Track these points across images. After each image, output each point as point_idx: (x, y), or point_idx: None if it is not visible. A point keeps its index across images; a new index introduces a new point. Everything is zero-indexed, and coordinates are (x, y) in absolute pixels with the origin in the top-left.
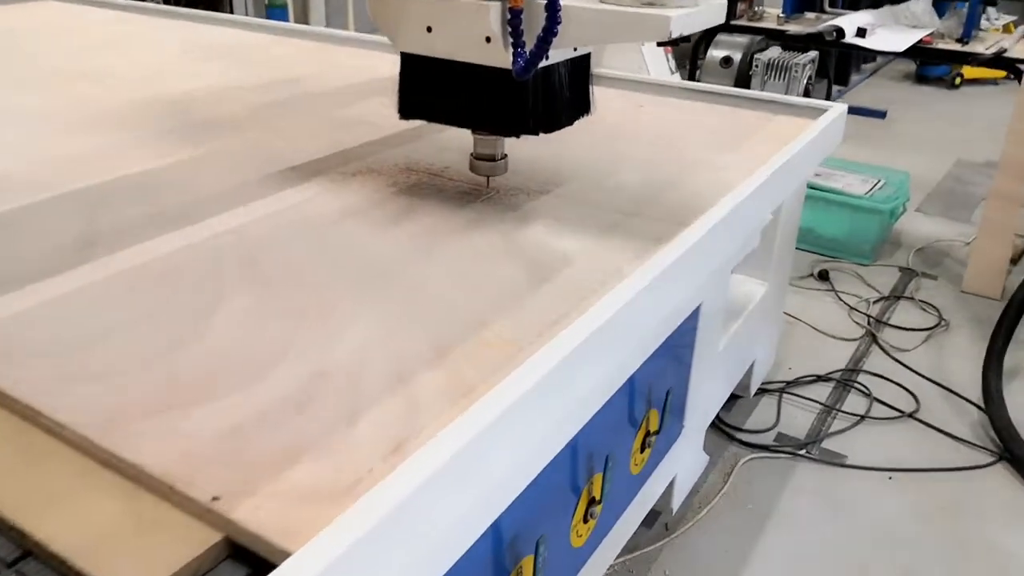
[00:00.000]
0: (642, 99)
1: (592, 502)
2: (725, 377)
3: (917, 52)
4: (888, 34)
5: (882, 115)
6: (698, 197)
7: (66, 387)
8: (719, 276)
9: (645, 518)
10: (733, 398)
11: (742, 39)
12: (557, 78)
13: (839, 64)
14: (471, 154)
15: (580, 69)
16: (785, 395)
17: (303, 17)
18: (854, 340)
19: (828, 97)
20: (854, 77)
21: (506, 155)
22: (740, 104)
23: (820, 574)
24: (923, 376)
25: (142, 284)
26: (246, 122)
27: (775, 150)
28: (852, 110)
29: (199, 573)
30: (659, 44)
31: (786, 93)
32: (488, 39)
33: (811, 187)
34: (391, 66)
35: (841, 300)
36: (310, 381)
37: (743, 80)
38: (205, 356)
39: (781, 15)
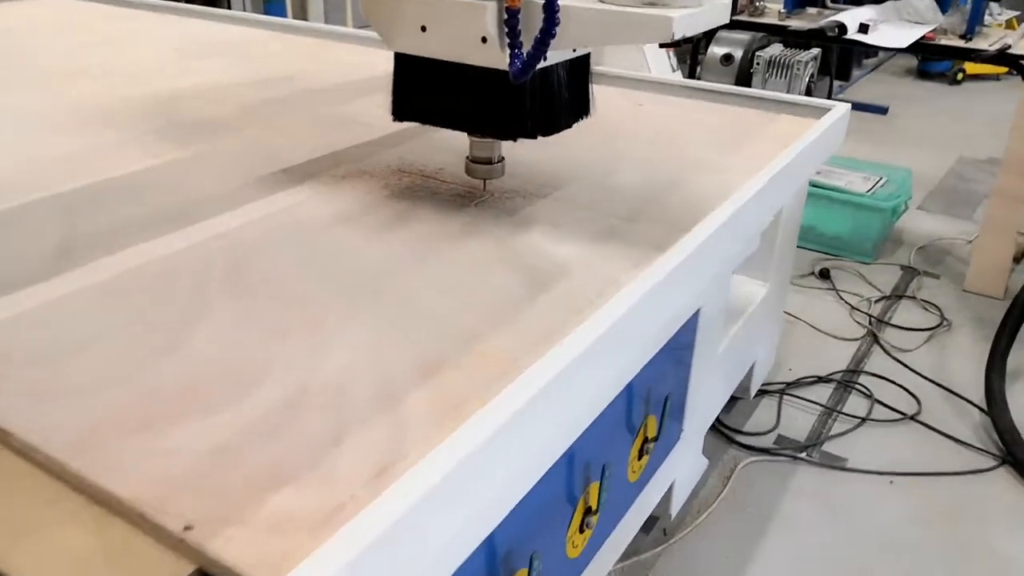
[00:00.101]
0: (642, 97)
1: (588, 512)
2: (725, 380)
3: (920, 48)
4: (891, 30)
5: (884, 111)
6: (699, 200)
7: (37, 406)
8: (719, 279)
9: (643, 524)
10: (733, 399)
11: (743, 36)
12: (556, 79)
13: (840, 59)
14: (467, 157)
15: (580, 69)
16: (785, 396)
17: (301, 12)
18: (855, 340)
19: (830, 95)
20: (855, 72)
21: (503, 158)
22: (742, 103)
23: None
24: (925, 377)
25: (121, 294)
26: (239, 121)
27: (777, 151)
28: (854, 106)
29: None
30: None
31: (788, 91)
32: (484, 39)
33: (812, 185)
34: (389, 63)
35: (842, 299)
36: (292, 399)
37: (744, 78)
38: (183, 372)
39: (782, 11)
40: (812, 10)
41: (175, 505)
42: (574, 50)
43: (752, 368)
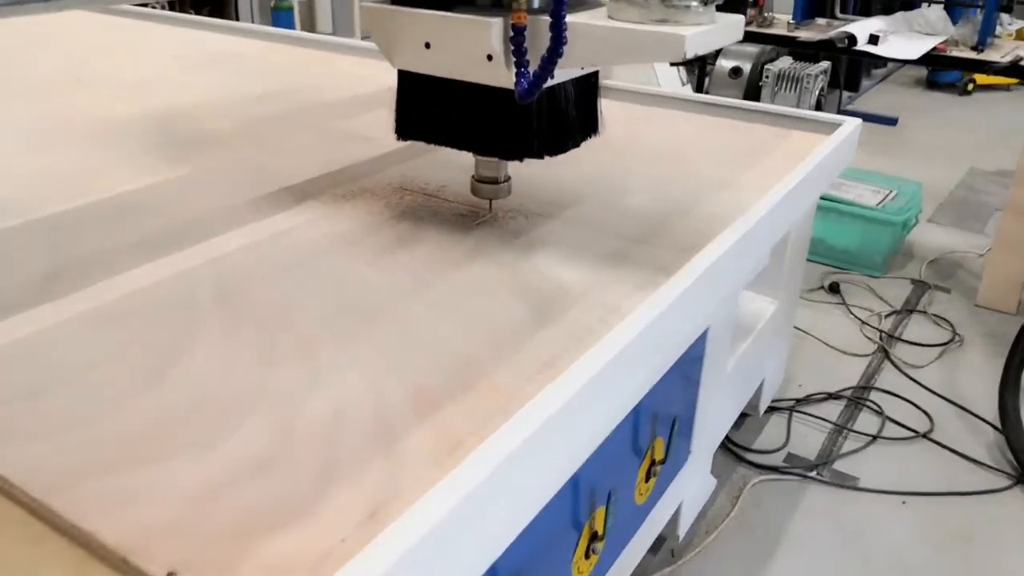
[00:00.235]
0: (651, 112)
1: (594, 538)
2: (734, 398)
3: (931, 60)
4: (901, 41)
5: (893, 122)
6: (708, 220)
7: (15, 442)
8: (728, 297)
9: (650, 545)
10: (742, 416)
11: (752, 49)
12: (563, 97)
13: (849, 70)
14: (472, 176)
15: (588, 86)
16: (795, 413)
17: (309, 23)
18: (866, 356)
19: (840, 108)
20: (864, 83)
21: (509, 177)
22: (751, 118)
23: None
24: (937, 394)
25: (105, 325)
26: (238, 137)
27: (788, 168)
28: (862, 116)
29: None
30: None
31: (798, 104)
32: (489, 57)
33: (822, 198)
34: (394, 76)
35: (852, 314)
36: (280, 436)
37: (753, 91)
38: (167, 408)
39: (791, 21)
40: (821, 21)
41: (159, 550)
42: (582, 68)
43: (761, 385)
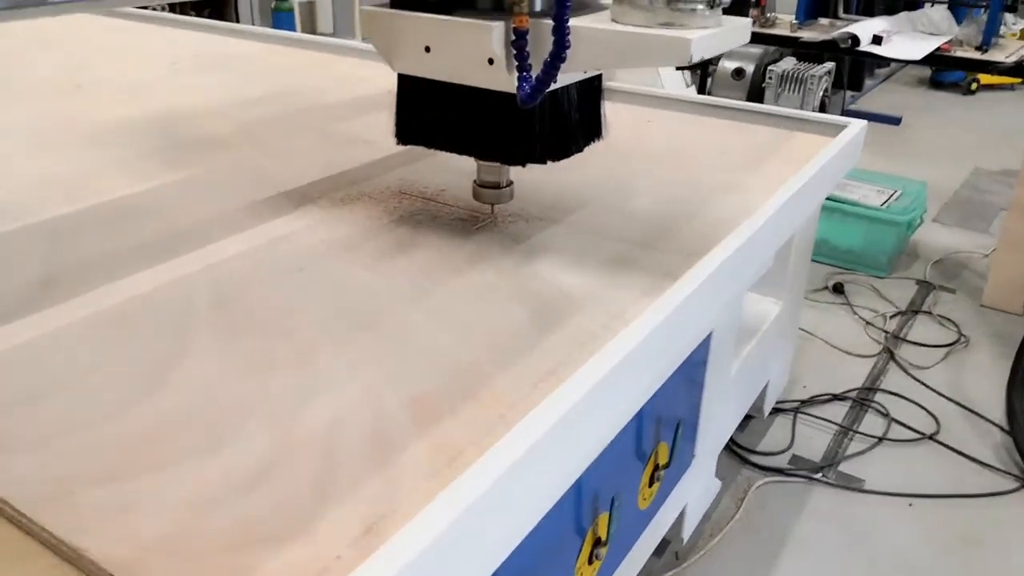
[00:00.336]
0: (654, 114)
1: (598, 543)
2: (738, 400)
3: (935, 60)
4: (905, 41)
5: (897, 121)
6: (712, 224)
7: (9, 452)
8: (732, 301)
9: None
10: (746, 418)
11: (755, 50)
12: (566, 101)
13: (852, 69)
14: (474, 181)
15: (591, 90)
16: (800, 415)
17: (310, 24)
18: (871, 357)
19: (843, 109)
20: (868, 82)
21: (511, 182)
22: (755, 120)
23: None
24: (943, 395)
25: (99, 333)
26: (237, 140)
27: (792, 171)
28: (866, 116)
29: None
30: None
31: (801, 106)
32: (491, 61)
33: (826, 198)
34: (395, 78)
35: (857, 315)
36: (275, 448)
37: (756, 92)
38: (162, 415)
39: (794, 22)
40: (824, 21)
41: (149, 567)
42: (585, 71)
43: (766, 387)
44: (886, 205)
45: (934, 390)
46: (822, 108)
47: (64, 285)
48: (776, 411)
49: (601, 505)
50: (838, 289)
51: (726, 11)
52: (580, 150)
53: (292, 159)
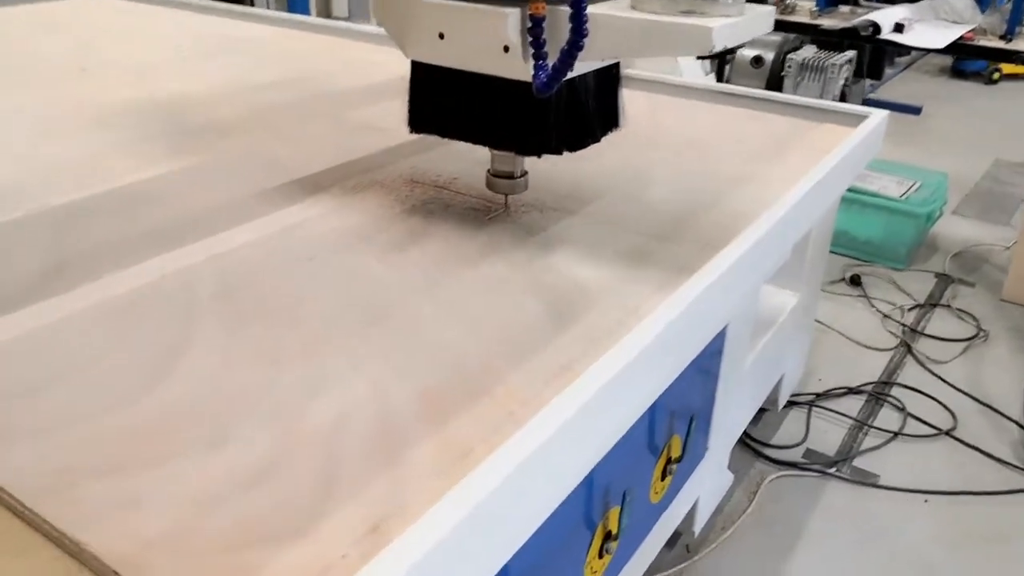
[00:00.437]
0: (671, 102)
1: (608, 537)
2: (752, 394)
3: (957, 49)
4: (927, 29)
5: (917, 111)
6: (731, 217)
7: (11, 442)
8: (748, 294)
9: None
10: (760, 411)
11: (774, 37)
12: (583, 90)
13: (872, 57)
14: (488, 171)
15: (609, 78)
16: (815, 408)
17: (325, 8)
18: (887, 350)
19: (863, 99)
20: (888, 71)
21: (526, 172)
22: (775, 109)
23: None
24: (961, 390)
25: (104, 323)
26: (248, 126)
27: (812, 163)
28: (886, 105)
29: None
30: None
31: (822, 95)
32: (506, 49)
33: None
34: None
35: (874, 307)
36: (280, 443)
37: (775, 81)
38: (167, 407)
39: (814, 9)
40: (845, 8)
41: (152, 563)
42: (603, 60)
43: (781, 380)
44: (905, 196)
45: (952, 385)
46: (842, 97)
47: (70, 273)
48: (791, 404)
49: (612, 499)
50: (855, 281)
51: None
52: (597, 140)
53: (304, 146)
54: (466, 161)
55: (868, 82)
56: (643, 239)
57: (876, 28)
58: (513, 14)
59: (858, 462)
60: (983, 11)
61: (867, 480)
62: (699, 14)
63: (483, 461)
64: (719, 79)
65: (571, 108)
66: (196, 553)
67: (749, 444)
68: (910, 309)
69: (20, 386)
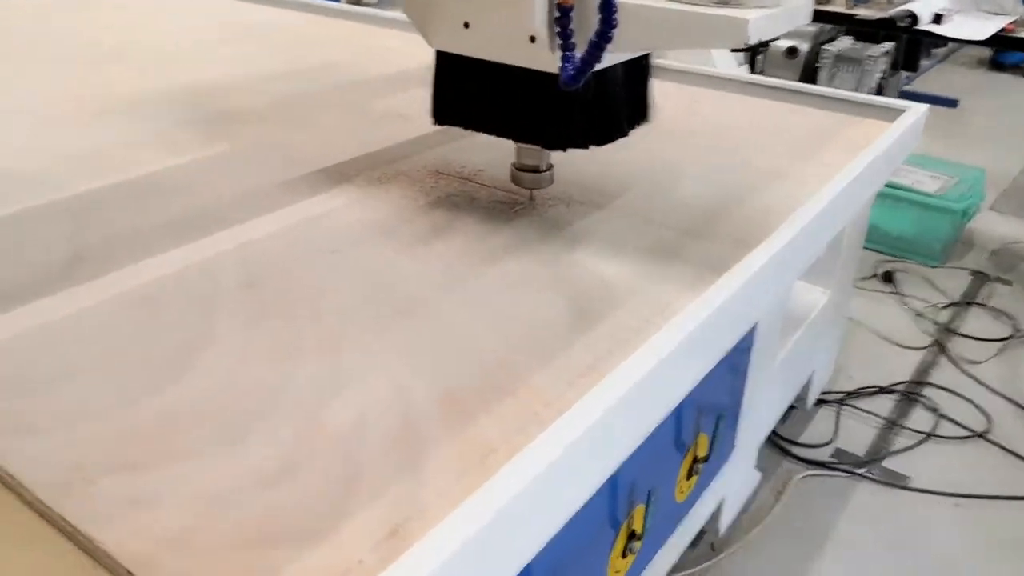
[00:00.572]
0: (703, 94)
1: (632, 536)
2: (782, 391)
3: (998, 41)
4: (967, 20)
5: (953, 104)
6: (765, 212)
7: (28, 435)
8: (780, 292)
9: None
10: (789, 409)
11: (810, 28)
12: (612, 82)
13: (908, 48)
14: (512, 164)
15: (638, 70)
16: (845, 407)
17: None
18: (920, 349)
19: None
20: (924, 62)
21: (552, 165)
22: (809, 102)
23: None
24: (996, 392)
25: (125, 313)
26: (273, 115)
27: (848, 158)
28: (921, 98)
29: None
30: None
31: (858, 88)
32: (532, 39)
33: None
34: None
35: (907, 304)
36: (298, 441)
37: (809, 72)
38: (185, 402)
39: None
40: None
41: (163, 564)
42: (633, 51)
43: (811, 377)
44: (941, 191)
45: (986, 386)
46: (879, 90)
47: (90, 264)
48: (820, 402)
49: (637, 498)
50: (888, 278)
51: None
52: (625, 134)
53: (328, 135)
54: (493, 152)
55: (904, 74)
56: (673, 234)
57: (914, 18)
58: (540, 3)
59: (888, 463)
60: None
61: (897, 482)
62: (734, 4)
63: (506, 464)
64: (751, 70)
65: (599, 101)
66: (209, 553)
67: (777, 442)
68: (944, 307)
69: (37, 378)
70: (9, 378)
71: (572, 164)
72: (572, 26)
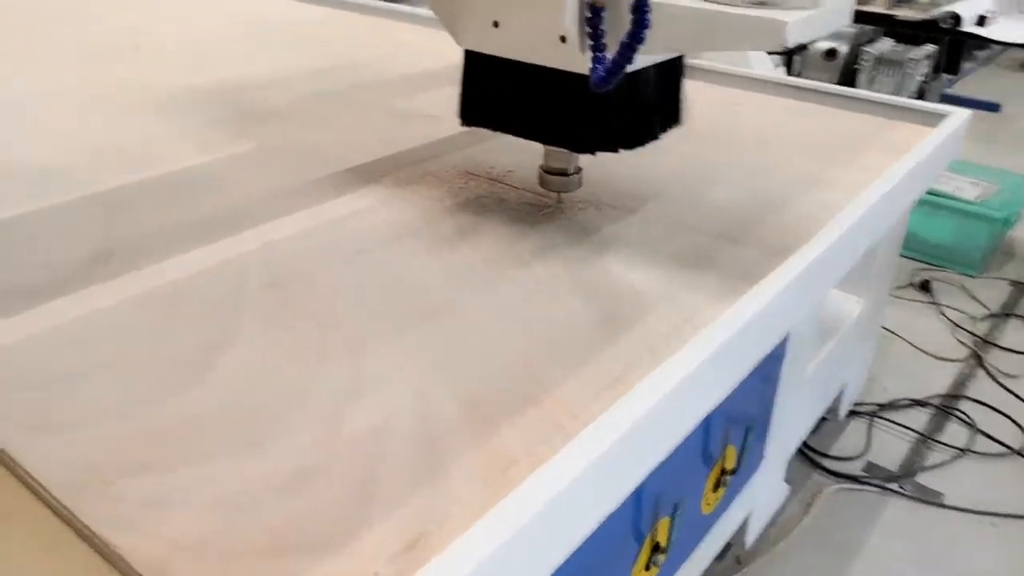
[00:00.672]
0: (738, 95)
1: (656, 549)
2: (813, 403)
3: None
4: (1012, 23)
5: (996, 108)
6: (801, 219)
7: (46, 434)
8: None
9: None
10: (820, 420)
11: (849, 29)
12: (643, 84)
13: (950, 51)
14: (540, 166)
15: (672, 71)
16: (877, 419)
17: None
18: (957, 361)
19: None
20: (966, 65)
21: (580, 168)
22: (848, 105)
23: None
24: None
25: (149, 312)
26: (302, 113)
27: (888, 164)
28: (963, 102)
29: None
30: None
31: (898, 92)
32: (563, 39)
33: None
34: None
35: (944, 315)
36: (316, 446)
37: (848, 75)
38: (205, 403)
39: None
40: None
41: (178, 571)
42: (666, 53)
43: (843, 388)
44: (981, 198)
45: None
46: (920, 95)
47: (116, 260)
48: (852, 414)
49: (662, 510)
50: (925, 287)
51: None
52: (656, 138)
53: (357, 134)
54: (523, 153)
55: (945, 77)
56: (705, 241)
57: (957, 20)
58: (572, 2)
59: (922, 478)
60: None
61: (931, 499)
62: (772, 5)
63: (529, 476)
64: (788, 71)
65: (630, 103)
66: (224, 561)
67: (807, 454)
68: (982, 319)
69: (60, 376)
70: (30, 375)
71: (603, 166)
72: (603, 26)
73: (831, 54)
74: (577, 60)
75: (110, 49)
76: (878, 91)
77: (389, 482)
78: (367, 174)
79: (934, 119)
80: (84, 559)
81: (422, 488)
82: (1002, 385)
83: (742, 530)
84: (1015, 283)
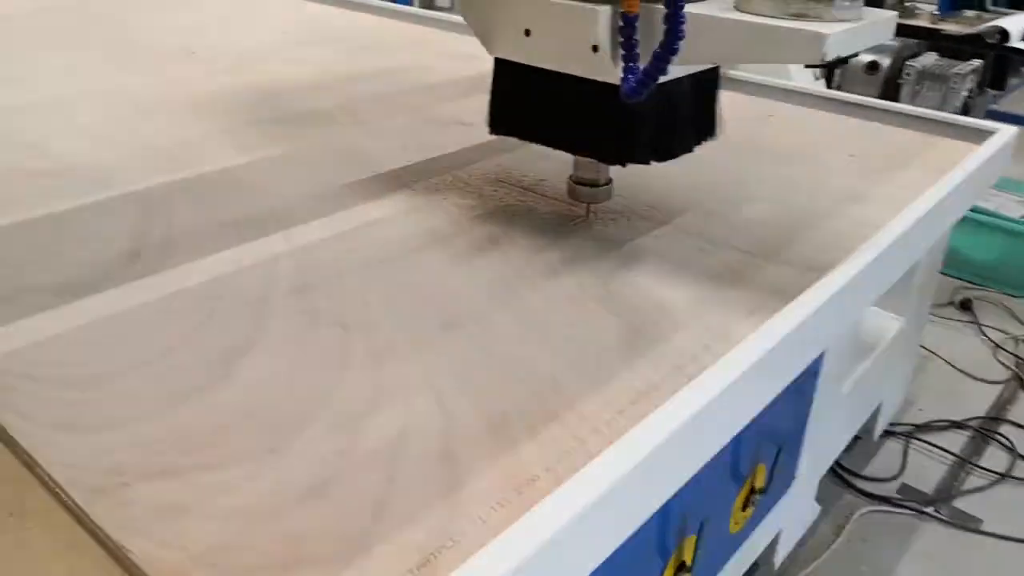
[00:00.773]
0: (776, 108)
1: (682, 568)
2: (847, 422)
3: None
4: None
5: None
6: (838, 237)
7: (68, 434)
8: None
9: None
10: (854, 439)
11: (892, 42)
12: (677, 96)
13: (996, 66)
14: (570, 177)
15: (706, 83)
16: (913, 440)
17: None
18: (998, 383)
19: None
20: (1012, 81)
21: (611, 179)
22: (890, 120)
23: None
24: None
25: (177, 313)
26: (340, 117)
27: (930, 182)
28: (1008, 118)
29: None
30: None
31: (942, 107)
32: (595, 48)
33: None
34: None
35: (985, 335)
36: (335, 456)
37: (891, 89)
38: (223, 411)
39: (936, 13)
40: (970, 13)
41: None
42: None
43: (879, 408)
44: None
45: None
46: (965, 110)
47: (147, 260)
48: (887, 434)
49: (688, 528)
50: (966, 306)
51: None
52: (689, 150)
53: (392, 139)
54: (555, 161)
55: (990, 93)
56: (737, 256)
57: (1004, 35)
58: (604, 12)
59: (959, 503)
60: None
61: (968, 524)
62: (811, 18)
63: (548, 494)
64: (829, 84)
65: (662, 115)
66: (237, 570)
67: (840, 474)
68: None
69: (84, 377)
70: (56, 373)
71: (635, 177)
72: (636, 36)
73: (873, 67)
74: (609, 70)
75: (166, 52)
76: (921, 106)
77: (405, 496)
78: (399, 180)
79: (979, 135)
80: (99, 562)
81: (438, 503)
82: None
83: (771, 550)
84: None
